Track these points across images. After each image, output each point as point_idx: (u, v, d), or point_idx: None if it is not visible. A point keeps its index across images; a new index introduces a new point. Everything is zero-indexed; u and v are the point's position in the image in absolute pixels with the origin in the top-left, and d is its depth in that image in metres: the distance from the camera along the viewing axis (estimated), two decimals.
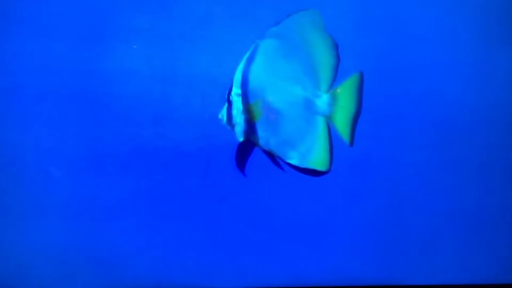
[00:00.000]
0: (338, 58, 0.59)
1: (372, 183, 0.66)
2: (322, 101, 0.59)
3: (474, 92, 0.67)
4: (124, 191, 0.66)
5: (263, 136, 0.61)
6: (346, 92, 0.59)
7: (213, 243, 0.66)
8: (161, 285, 0.66)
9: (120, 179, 0.66)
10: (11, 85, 0.66)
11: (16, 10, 0.66)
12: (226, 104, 0.62)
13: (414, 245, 0.66)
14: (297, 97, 0.60)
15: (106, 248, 0.66)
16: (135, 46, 0.66)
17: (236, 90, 0.62)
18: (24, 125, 0.66)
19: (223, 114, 0.63)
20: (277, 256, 0.66)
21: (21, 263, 0.67)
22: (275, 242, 0.66)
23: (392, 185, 0.66)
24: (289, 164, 0.61)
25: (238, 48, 0.66)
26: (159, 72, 0.66)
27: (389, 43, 0.67)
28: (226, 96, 0.62)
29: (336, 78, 0.60)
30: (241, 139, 0.62)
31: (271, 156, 0.63)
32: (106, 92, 0.66)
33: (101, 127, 0.66)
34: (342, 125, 0.59)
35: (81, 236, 0.66)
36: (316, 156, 0.60)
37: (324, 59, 0.59)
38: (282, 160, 0.61)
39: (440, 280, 0.66)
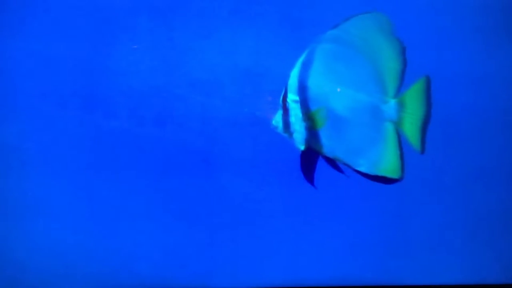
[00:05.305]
0: (405, 63, 0.58)
1: (373, 184, 0.64)
2: (389, 107, 0.58)
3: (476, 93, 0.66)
4: (125, 191, 0.66)
5: (328, 144, 0.59)
6: (414, 97, 0.58)
7: (213, 243, 0.66)
8: (161, 285, 0.66)
9: (120, 179, 0.66)
10: (12, 84, 0.65)
11: (17, 9, 0.65)
12: (281, 111, 0.60)
13: (415, 245, 0.66)
14: (363, 103, 0.58)
15: (106, 248, 0.66)
16: (135, 46, 0.65)
17: (292, 97, 0.60)
18: (25, 124, 0.66)
19: (277, 121, 0.61)
20: (277, 256, 0.66)
21: (21, 263, 0.66)
22: (275, 242, 0.66)
23: (390, 186, 0.65)
24: (358, 172, 0.60)
25: (240, 47, 0.65)
26: (160, 71, 0.66)
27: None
28: (281, 103, 0.60)
29: (403, 83, 0.58)
30: (302, 147, 0.60)
31: (334, 163, 0.62)
32: (106, 92, 0.65)
33: (101, 127, 0.66)
34: (412, 131, 0.58)
35: (81, 236, 0.66)
36: (387, 163, 0.59)
37: (390, 64, 0.58)
38: (350, 167, 0.60)
39: (441, 280, 0.66)
